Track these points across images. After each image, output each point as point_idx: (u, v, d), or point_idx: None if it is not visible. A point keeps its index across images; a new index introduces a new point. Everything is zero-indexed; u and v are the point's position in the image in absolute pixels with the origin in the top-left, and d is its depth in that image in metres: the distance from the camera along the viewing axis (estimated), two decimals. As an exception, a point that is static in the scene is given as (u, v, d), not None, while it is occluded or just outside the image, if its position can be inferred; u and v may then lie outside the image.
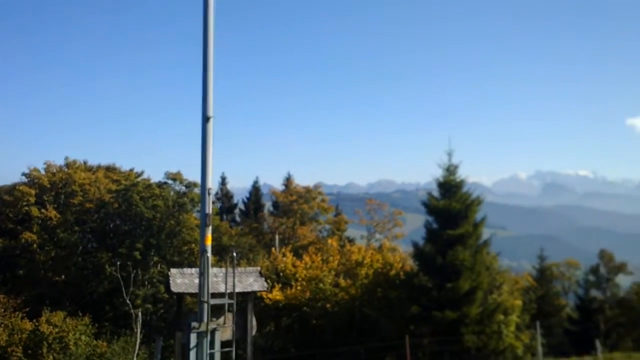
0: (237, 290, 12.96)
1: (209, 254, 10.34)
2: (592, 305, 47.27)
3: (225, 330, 12.05)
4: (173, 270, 16.47)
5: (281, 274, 34.28)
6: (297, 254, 37.52)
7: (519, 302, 32.64)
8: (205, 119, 10.55)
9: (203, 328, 10.34)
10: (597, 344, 25.77)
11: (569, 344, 39.00)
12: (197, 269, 12.73)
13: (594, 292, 50.45)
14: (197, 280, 12.84)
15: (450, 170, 31.10)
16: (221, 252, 37.69)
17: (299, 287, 31.89)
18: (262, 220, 55.71)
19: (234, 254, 12.17)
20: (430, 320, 27.25)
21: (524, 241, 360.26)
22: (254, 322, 17.01)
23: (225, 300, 11.59)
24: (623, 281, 54.42)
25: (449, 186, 30.72)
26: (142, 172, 44.98)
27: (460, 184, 30.86)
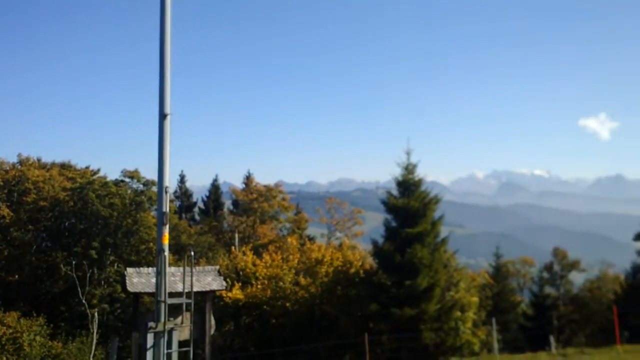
0: (195, 289, 12.88)
1: (166, 253, 10.21)
2: (546, 301, 48.47)
3: (183, 329, 11.94)
4: (129, 270, 16.26)
5: (241, 272, 34.20)
6: (257, 252, 37.44)
7: (475, 299, 33.25)
8: (163, 116, 10.41)
9: (160, 328, 10.20)
10: (551, 339, 26.45)
11: (523, 339, 39.85)
12: (154, 268, 12.56)
13: (548, 289, 51.72)
14: (154, 280, 12.67)
15: (409, 169, 31.44)
16: (180, 251, 37.27)
17: (259, 286, 31.87)
18: (222, 219, 55.29)
19: (192, 253, 12.03)
20: (389, 318, 27.52)
21: (481, 239, 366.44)
22: (213, 322, 16.92)
23: (183, 300, 11.47)
24: (576, 278, 55.92)
25: (408, 185, 31.05)
26: (98, 170, 43.99)
27: (418, 183, 31.21)
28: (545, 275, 52.51)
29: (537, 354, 20.44)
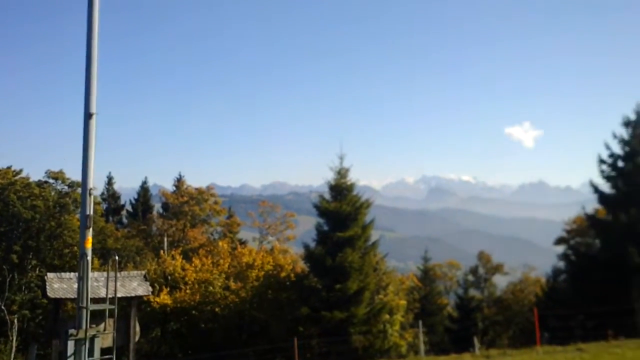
0: (120, 295, 12.53)
1: (89, 257, 9.90)
2: (471, 304, 49.96)
3: (105, 337, 11.60)
4: (50, 275, 15.67)
5: (169, 277, 33.59)
6: (187, 256, 36.90)
7: (403, 302, 33.92)
8: (88, 116, 10.11)
9: (81, 335, 9.88)
10: (475, 341, 27.29)
11: (449, 341, 40.96)
12: (77, 273, 12.15)
13: (473, 292, 53.37)
14: (76, 285, 12.24)
15: (342, 173, 31.74)
16: (106, 256, 36.20)
17: (188, 291, 31.41)
18: (151, 222, 54.05)
19: (116, 257, 11.70)
20: (319, 321, 27.65)
21: (411, 243, 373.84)
22: (138, 328, 16.51)
23: (106, 306, 11.14)
24: (500, 281, 57.99)
25: (340, 189, 31.33)
26: (20, 171, 42.05)
27: (350, 187, 31.56)
28: (471, 278, 54.18)
29: (461, 355, 20.98)
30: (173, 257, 34.91)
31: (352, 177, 31.87)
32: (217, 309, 31.26)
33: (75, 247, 36.84)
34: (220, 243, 39.39)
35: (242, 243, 50.20)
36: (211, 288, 31.73)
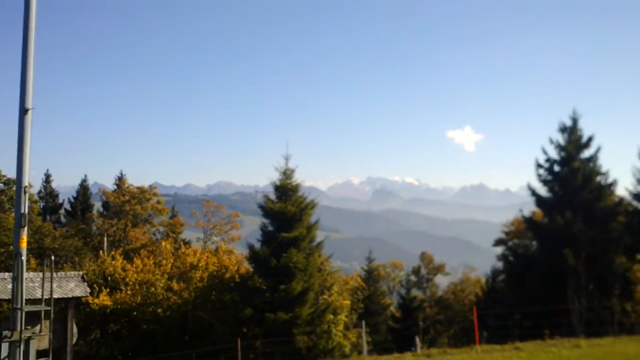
0: (56, 296, 12.14)
1: (24, 257, 9.57)
2: (413, 304, 50.80)
3: (41, 339, 11.23)
4: (-17, 275, 15.00)
5: (109, 278, 32.85)
6: (129, 257, 36.22)
7: (347, 302, 34.16)
8: (24, 111, 9.75)
9: (16, 337, 9.56)
10: (417, 340, 27.75)
11: (392, 341, 41.49)
12: (12, 274, 11.71)
13: (416, 292, 54.29)
14: (10, 286, 11.80)
15: (287, 174, 31.67)
16: (43, 256, 34.94)
17: (128, 292, 30.86)
18: (91, 222, 52.62)
19: (52, 257, 11.34)
20: (263, 322, 27.53)
21: (355, 243, 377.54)
22: (75, 330, 16.04)
23: (42, 307, 10.78)
24: (441, 281, 59.20)
25: (286, 189, 31.26)
26: (-48, 168, 40.35)
27: (296, 188, 31.52)
28: (413, 278, 55.10)
29: (403, 354, 21.26)
30: (113, 258, 34.20)
31: (298, 177, 31.89)
32: (159, 310, 30.80)
33: (11, 247, 35.49)
34: (162, 243, 38.81)
35: (186, 243, 49.55)
36: (153, 289, 31.26)
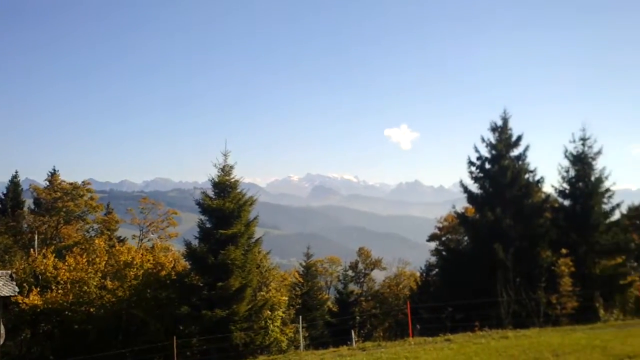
0: (-16, 296, 11.76)
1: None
2: (350, 298, 51.44)
3: (-33, 340, 10.88)
4: None
5: (40, 276, 31.95)
6: (61, 255, 35.32)
7: (285, 298, 34.35)
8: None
9: (-62, 340, 9.24)
10: (352, 334, 28.17)
11: (329, 335, 41.89)
12: None
13: (353, 286, 54.98)
14: None
15: (226, 170, 31.49)
16: (-32, 254, 33.67)
17: (60, 291, 30.12)
18: (21, 219, 50.81)
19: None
20: (200, 319, 27.35)
21: (294, 239, 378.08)
22: (3, 330, 15.60)
23: (-31, 308, 10.46)
24: (378, 275, 60.18)
25: (224, 186, 31.09)
26: None
27: (234, 184, 31.38)
28: (351, 273, 55.76)
29: (339, 348, 21.65)
30: (45, 256, 33.26)
31: (237, 174, 31.72)
32: (92, 309, 30.20)
33: None
34: (96, 241, 38.00)
35: (121, 241, 48.71)
36: (86, 288, 30.59)
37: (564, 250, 30.61)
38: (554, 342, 16.61)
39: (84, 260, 32.35)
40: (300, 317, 30.44)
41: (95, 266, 32.22)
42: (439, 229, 49.45)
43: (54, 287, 30.57)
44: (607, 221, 34.70)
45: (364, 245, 63.65)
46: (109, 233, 50.60)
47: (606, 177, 34.94)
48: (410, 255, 70.67)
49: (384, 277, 58.35)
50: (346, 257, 60.00)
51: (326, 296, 54.40)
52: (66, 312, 30.03)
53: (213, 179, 31.33)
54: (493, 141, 35.08)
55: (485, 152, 35.22)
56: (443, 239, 48.03)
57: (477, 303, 27.26)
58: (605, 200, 34.95)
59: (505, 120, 35.51)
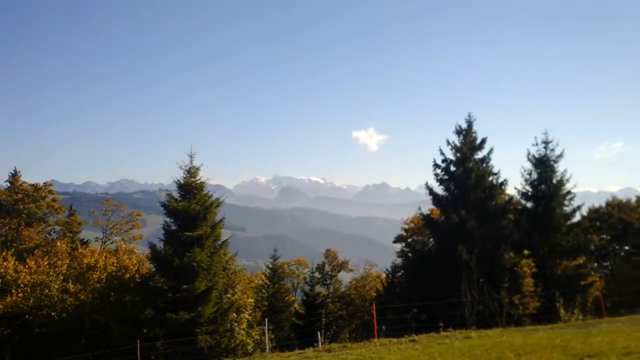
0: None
1: None
2: (317, 300, 51.44)
3: None
4: None
5: (0, 280, 31.18)
6: (21, 257, 34.56)
7: (251, 300, 34.22)
8: None
9: None
10: (318, 336, 28.17)
11: (295, 337, 41.81)
12: None
13: (319, 288, 55.00)
14: None
15: (192, 172, 31.19)
16: None
17: (20, 294, 29.55)
18: (-21, 221, 49.46)
19: None
20: (164, 323, 27.03)
21: (262, 241, 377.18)
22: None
23: None
24: (345, 277, 60.31)
25: (190, 188, 30.80)
26: None
27: (201, 186, 31.10)
28: (317, 275, 55.79)
29: (305, 350, 21.64)
30: (5, 259, 32.53)
31: (203, 176, 31.47)
32: (53, 313, 29.64)
33: None
34: (58, 243, 37.31)
35: (84, 243, 47.90)
36: (47, 291, 30.02)
37: (526, 252, 31.21)
38: (516, 342, 16.84)
39: (46, 263, 31.78)
40: (267, 319, 30.33)
41: (57, 269, 31.65)
42: (405, 230, 49.83)
43: (14, 291, 29.99)
44: (568, 223, 35.53)
45: (331, 247, 63.78)
46: (72, 235, 49.66)
47: (567, 180, 35.82)
48: (376, 257, 71.09)
49: (350, 279, 58.47)
50: (313, 259, 59.97)
51: (293, 298, 54.32)
52: (27, 316, 29.46)
53: (179, 180, 30.98)
54: (458, 144, 35.55)
55: (450, 155, 35.69)
56: (409, 240, 48.41)
57: (441, 304, 27.56)
58: (566, 202, 35.76)
59: (469, 124, 36.02)
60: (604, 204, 49.32)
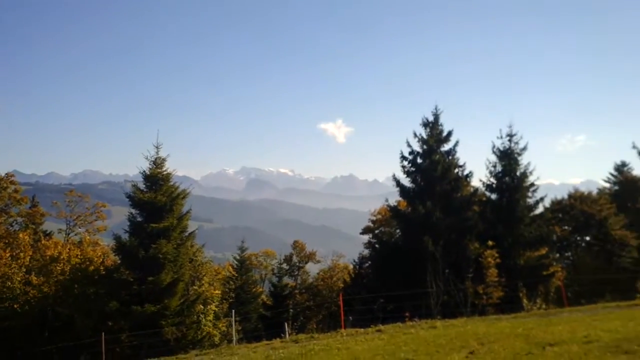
0: None
1: None
2: (284, 291, 51.46)
3: None
4: None
5: (-40, 273, 30.44)
6: (-19, 250, 33.60)
7: (218, 292, 34.08)
8: None
9: None
10: (286, 327, 28.26)
11: (263, 328, 41.81)
12: None
13: (287, 279, 55.04)
14: None
15: (158, 163, 30.82)
16: None
17: (-20, 287, 28.79)
18: (-63, 213, 48.09)
19: None
20: (130, 315, 26.76)
21: (229, 233, 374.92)
22: None
23: None
24: (312, 268, 60.46)
25: (156, 179, 30.45)
26: None
27: (167, 177, 30.76)
28: (285, 266, 55.79)
29: (272, 341, 21.68)
30: (-36, 251, 31.69)
31: (169, 167, 31.12)
32: (16, 306, 29.16)
33: None
34: (20, 235, 36.49)
35: (47, 235, 46.95)
36: (9, 283, 29.52)
37: (490, 242, 31.78)
38: (480, 331, 17.15)
39: (8, 255, 31.20)
40: (234, 311, 30.25)
41: (19, 261, 31.15)
42: (373, 222, 50.15)
43: (-26, 284, 29.27)
44: (531, 214, 36.26)
45: (299, 238, 63.83)
46: (34, 227, 48.61)
47: (531, 172, 36.55)
48: (344, 248, 71.39)
49: (318, 270, 58.63)
50: (281, 250, 59.90)
51: (260, 289, 54.22)
52: (-13, 310, 28.84)
53: (144, 171, 30.60)
54: (425, 136, 35.90)
55: (417, 147, 36.03)
56: (376, 232, 48.74)
57: (408, 294, 27.90)
58: (529, 194, 36.49)
59: (436, 116, 36.40)
60: (566, 196, 50.42)
